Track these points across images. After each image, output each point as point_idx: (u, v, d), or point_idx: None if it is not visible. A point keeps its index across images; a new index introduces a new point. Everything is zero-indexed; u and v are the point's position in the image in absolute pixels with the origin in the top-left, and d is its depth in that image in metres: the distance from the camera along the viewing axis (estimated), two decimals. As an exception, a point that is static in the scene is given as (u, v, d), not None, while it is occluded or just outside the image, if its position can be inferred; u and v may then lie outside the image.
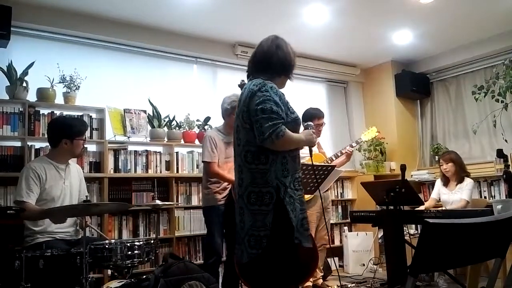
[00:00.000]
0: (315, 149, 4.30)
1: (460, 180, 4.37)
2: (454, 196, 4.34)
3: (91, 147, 4.16)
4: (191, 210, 4.49)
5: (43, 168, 3.05)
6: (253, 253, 2.17)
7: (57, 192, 3.07)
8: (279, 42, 2.40)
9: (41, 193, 3.00)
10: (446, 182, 4.50)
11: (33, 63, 3.88)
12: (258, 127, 2.16)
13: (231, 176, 3.56)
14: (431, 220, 1.30)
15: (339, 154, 4.21)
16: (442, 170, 4.51)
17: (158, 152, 4.49)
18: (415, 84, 6.06)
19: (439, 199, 4.51)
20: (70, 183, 3.18)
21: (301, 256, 2.28)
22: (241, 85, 3.80)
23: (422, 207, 4.20)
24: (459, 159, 4.47)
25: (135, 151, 4.35)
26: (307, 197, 3.73)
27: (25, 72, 3.83)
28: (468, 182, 4.36)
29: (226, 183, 3.62)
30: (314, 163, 3.78)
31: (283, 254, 2.21)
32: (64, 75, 4.03)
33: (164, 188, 4.43)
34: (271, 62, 2.35)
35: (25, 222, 3.00)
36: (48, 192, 3.03)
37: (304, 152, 4.12)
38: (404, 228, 3.81)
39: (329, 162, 4.14)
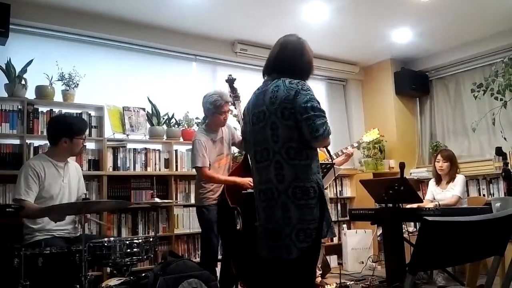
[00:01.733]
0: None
1: (451, 179, 4.38)
2: (447, 194, 4.34)
3: (90, 145, 4.15)
4: (190, 208, 4.49)
5: (42, 166, 3.05)
6: (303, 247, 2.19)
7: (55, 190, 3.07)
8: (305, 48, 2.43)
9: (39, 191, 3.00)
10: (438, 180, 4.50)
11: (31, 60, 3.86)
12: (311, 123, 2.20)
13: (224, 177, 3.54)
14: (429, 218, 1.30)
15: (339, 153, 4.21)
16: (436, 167, 4.50)
17: (157, 150, 4.49)
18: (414, 82, 6.05)
19: (433, 200, 4.49)
20: (68, 181, 3.18)
21: None
22: (229, 80, 3.78)
23: (420, 204, 4.17)
24: (455, 159, 4.47)
25: (134, 149, 4.35)
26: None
27: (24, 70, 3.82)
28: (458, 178, 4.36)
29: None
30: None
31: (319, 246, 2.31)
32: (63, 72, 4.03)
33: (163, 186, 4.44)
34: (296, 68, 2.39)
35: (24, 220, 3.00)
36: (47, 190, 3.03)
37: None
38: (403, 226, 3.81)
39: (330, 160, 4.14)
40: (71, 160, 3.34)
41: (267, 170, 2.30)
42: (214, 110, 3.54)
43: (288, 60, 2.39)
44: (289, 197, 2.22)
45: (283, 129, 2.26)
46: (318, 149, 2.45)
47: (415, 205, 4.12)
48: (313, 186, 2.23)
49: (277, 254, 2.26)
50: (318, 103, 2.26)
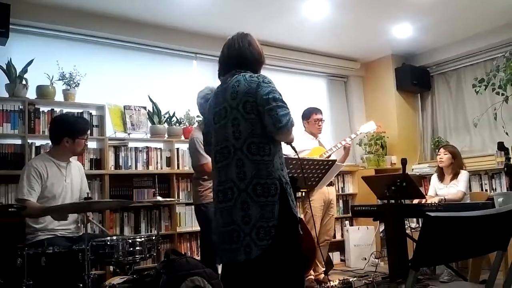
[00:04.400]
0: (315, 143, 4.33)
1: (455, 175, 4.37)
2: (450, 189, 4.33)
3: (92, 144, 4.15)
4: (192, 206, 4.47)
5: (44, 166, 3.05)
6: (263, 245, 2.11)
7: (58, 189, 3.07)
8: (250, 40, 2.46)
9: (42, 190, 3.00)
10: (441, 175, 4.50)
11: (32, 60, 3.86)
12: (274, 114, 2.16)
13: None
14: (432, 214, 1.30)
15: (338, 146, 4.22)
16: (437, 160, 4.51)
17: (159, 148, 4.49)
18: (416, 78, 6.04)
19: (436, 195, 4.49)
20: (71, 180, 3.18)
21: (303, 246, 2.31)
22: None
23: (422, 200, 4.16)
24: (459, 155, 4.47)
25: (136, 148, 4.35)
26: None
27: (25, 70, 3.82)
28: (462, 173, 4.36)
29: None
30: (315, 158, 3.79)
31: (290, 244, 2.20)
32: (63, 72, 4.03)
33: (165, 184, 4.44)
34: (248, 59, 2.42)
35: (26, 220, 3.00)
36: (49, 190, 3.03)
37: (305, 147, 4.14)
38: (405, 221, 3.81)
39: (328, 153, 4.14)
40: (74, 160, 3.35)
41: (228, 169, 2.23)
42: (205, 104, 3.55)
43: (240, 54, 2.43)
44: (249, 194, 2.15)
45: (245, 123, 2.21)
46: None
47: (423, 200, 4.11)
48: (274, 183, 2.17)
49: (234, 258, 2.17)
50: (280, 95, 2.23)
